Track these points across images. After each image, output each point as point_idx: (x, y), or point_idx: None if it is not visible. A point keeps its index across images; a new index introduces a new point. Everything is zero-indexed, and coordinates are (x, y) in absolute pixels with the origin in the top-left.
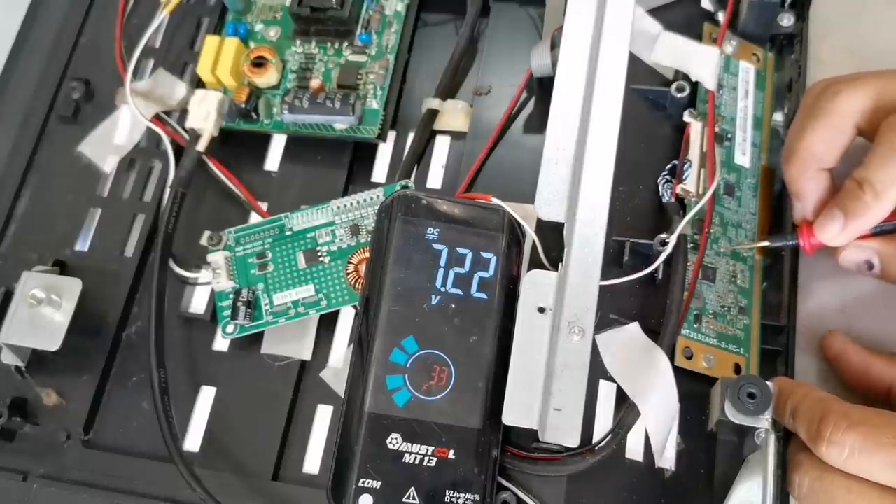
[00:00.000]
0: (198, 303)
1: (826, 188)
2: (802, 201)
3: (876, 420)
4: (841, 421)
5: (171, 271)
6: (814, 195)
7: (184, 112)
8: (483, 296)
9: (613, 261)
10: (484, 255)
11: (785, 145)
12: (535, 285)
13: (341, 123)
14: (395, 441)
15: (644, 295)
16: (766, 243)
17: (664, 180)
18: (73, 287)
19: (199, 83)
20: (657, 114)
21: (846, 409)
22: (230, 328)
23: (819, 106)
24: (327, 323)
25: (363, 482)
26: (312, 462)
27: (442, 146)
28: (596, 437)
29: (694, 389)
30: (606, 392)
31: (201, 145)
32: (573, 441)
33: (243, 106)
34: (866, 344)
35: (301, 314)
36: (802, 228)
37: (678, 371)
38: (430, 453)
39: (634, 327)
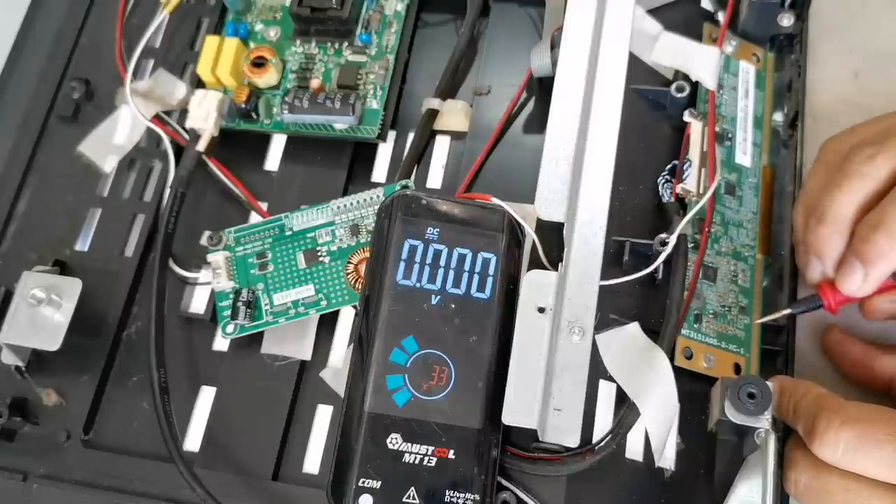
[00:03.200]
0: (198, 303)
1: (846, 245)
2: (825, 261)
3: (871, 416)
4: (835, 417)
5: (171, 271)
6: (837, 258)
7: (184, 112)
8: (483, 296)
9: (613, 261)
10: (484, 255)
11: (807, 199)
12: (535, 285)
13: (341, 123)
14: (395, 441)
15: (644, 295)
16: (788, 311)
17: (664, 180)
18: (73, 287)
19: (199, 83)
20: (657, 114)
21: (841, 405)
22: (230, 328)
23: (853, 169)
24: (327, 323)
25: (363, 482)
26: (312, 462)
27: (442, 146)
28: (596, 437)
29: (694, 389)
30: (606, 392)
31: (201, 145)
32: (573, 441)
33: (243, 106)
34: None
35: (301, 314)
36: (823, 288)
37: (678, 371)
38: (429, 453)
39: (634, 327)
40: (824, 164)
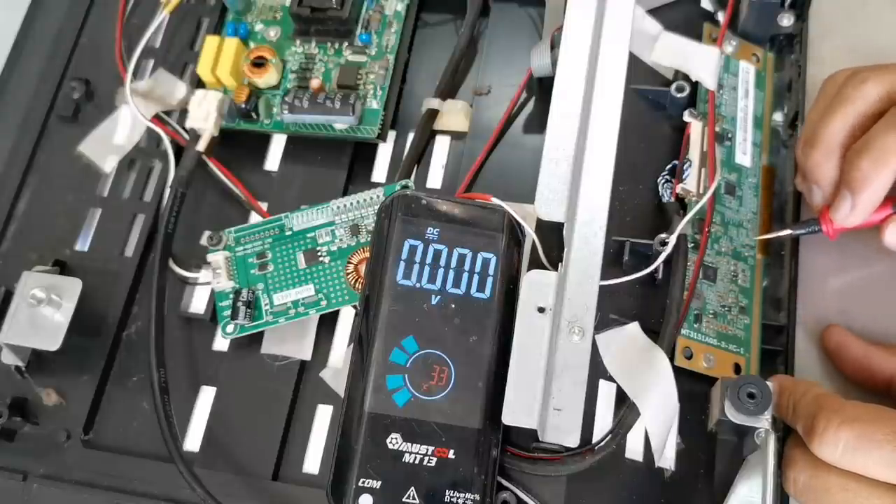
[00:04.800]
0: (198, 303)
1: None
2: (822, 187)
3: (869, 416)
4: (834, 417)
5: (171, 271)
6: (833, 180)
7: (184, 112)
8: (483, 296)
9: (613, 261)
10: (484, 255)
11: (805, 131)
12: (535, 285)
13: (341, 123)
14: (394, 441)
15: (644, 295)
16: (788, 231)
17: (664, 180)
18: (73, 287)
19: (199, 83)
20: (657, 114)
21: (840, 405)
22: (230, 328)
23: (845, 94)
24: (327, 323)
25: (363, 482)
26: (312, 462)
27: (442, 146)
28: (596, 437)
29: (694, 389)
30: (606, 392)
31: (201, 145)
32: (573, 441)
33: (243, 106)
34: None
35: (301, 314)
36: (823, 214)
37: (678, 371)
38: (429, 453)
39: (634, 327)
40: (824, 96)
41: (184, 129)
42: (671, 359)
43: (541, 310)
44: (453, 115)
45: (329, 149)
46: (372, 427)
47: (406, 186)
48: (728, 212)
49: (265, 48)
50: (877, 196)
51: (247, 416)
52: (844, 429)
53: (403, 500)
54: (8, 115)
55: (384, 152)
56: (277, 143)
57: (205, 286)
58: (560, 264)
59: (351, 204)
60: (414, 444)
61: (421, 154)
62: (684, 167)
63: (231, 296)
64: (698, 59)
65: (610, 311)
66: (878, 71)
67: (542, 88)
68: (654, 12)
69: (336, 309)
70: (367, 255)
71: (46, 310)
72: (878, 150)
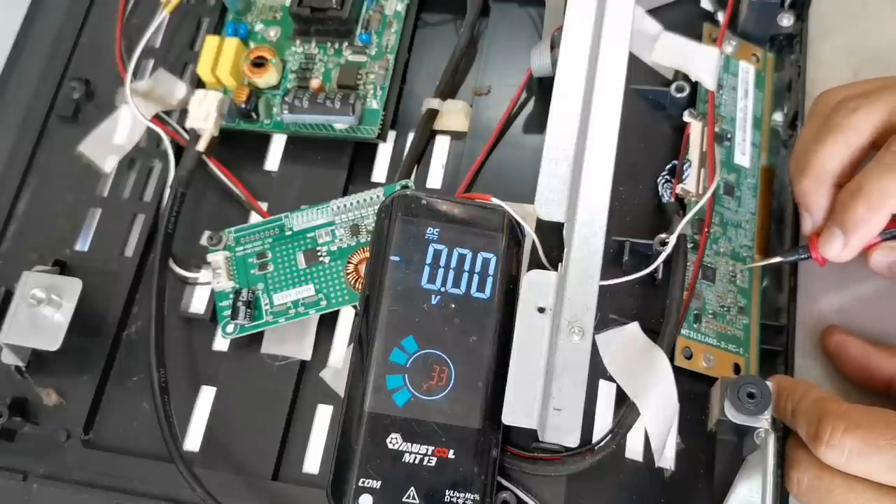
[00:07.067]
0: (198, 303)
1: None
2: (813, 214)
3: (873, 421)
4: (839, 423)
5: (171, 271)
6: (824, 208)
7: (184, 112)
8: (483, 296)
9: (613, 261)
10: (484, 255)
11: (796, 156)
12: (535, 285)
13: (341, 123)
14: (394, 441)
15: (644, 295)
16: (778, 259)
17: (664, 180)
18: (73, 287)
19: (199, 83)
20: (657, 114)
21: (844, 409)
22: (230, 328)
23: (835, 122)
24: (327, 323)
25: (363, 482)
26: (312, 462)
27: (442, 146)
28: (596, 437)
29: (694, 389)
30: (606, 392)
31: (201, 145)
32: (573, 441)
33: (243, 106)
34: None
35: (301, 314)
36: (813, 241)
37: (678, 371)
38: (429, 453)
39: (634, 327)
40: (815, 117)
41: (184, 129)
42: (671, 359)
43: (541, 310)
44: (453, 115)
45: (329, 149)
46: (372, 427)
47: (406, 186)
48: (727, 212)
49: (265, 48)
50: (870, 237)
51: (247, 416)
52: (849, 435)
53: (403, 500)
54: (8, 115)
55: (384, 152)
56: (277, 143)
57: (205, 286)
58: (560, 264)
59: (351, 204)
60: (414, 444)
61: (421, 154)
62: (684, 167)
63: (231, 296)
64: (698, 59)
65: (610, 311)
66: (870, 98)
67: (542, 88)
68: (654, 12)
69: (336, 309)
70: (367, 255)
71: (46, 310)
72: (874, 194)
